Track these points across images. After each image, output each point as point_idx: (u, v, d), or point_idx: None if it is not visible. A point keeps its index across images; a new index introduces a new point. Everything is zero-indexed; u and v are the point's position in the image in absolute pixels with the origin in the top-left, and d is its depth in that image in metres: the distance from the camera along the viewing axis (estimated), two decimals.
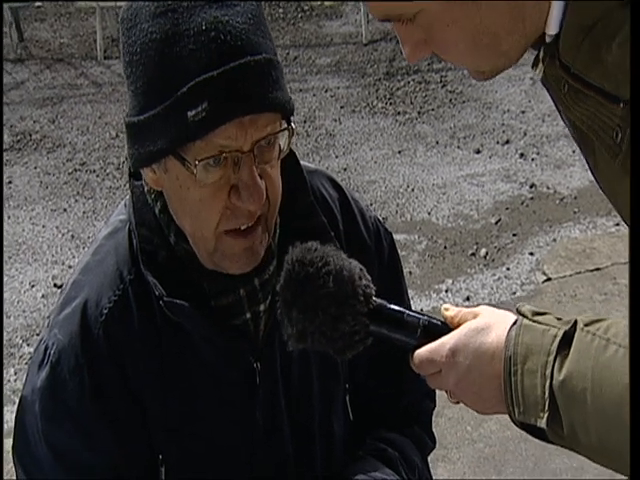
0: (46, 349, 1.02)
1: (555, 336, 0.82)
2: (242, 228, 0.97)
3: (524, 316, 0.86)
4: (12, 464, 1.09)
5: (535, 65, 0.88)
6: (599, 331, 0.81)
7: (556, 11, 0.81)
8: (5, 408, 2.83)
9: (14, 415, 1.08)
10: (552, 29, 0.82)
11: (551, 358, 0.82)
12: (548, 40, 0.84)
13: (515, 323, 0.86)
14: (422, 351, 0.91)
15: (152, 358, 1.02)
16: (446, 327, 0.91)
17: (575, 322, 0.83)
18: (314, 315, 0.87)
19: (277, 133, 0.94)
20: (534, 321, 0.85)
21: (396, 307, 0.91)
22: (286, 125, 0.95)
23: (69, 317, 1.02)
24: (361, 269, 0.90)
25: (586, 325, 0.82)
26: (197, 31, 0.88)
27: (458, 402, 0.93)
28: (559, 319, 0.85)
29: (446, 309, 0.92)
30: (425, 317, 0.92)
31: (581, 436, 0.80)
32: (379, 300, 0.91)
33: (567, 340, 0.82)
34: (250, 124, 0.90)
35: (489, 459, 2.61)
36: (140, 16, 0.91)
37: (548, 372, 0.82)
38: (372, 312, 0.89)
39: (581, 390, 0.79)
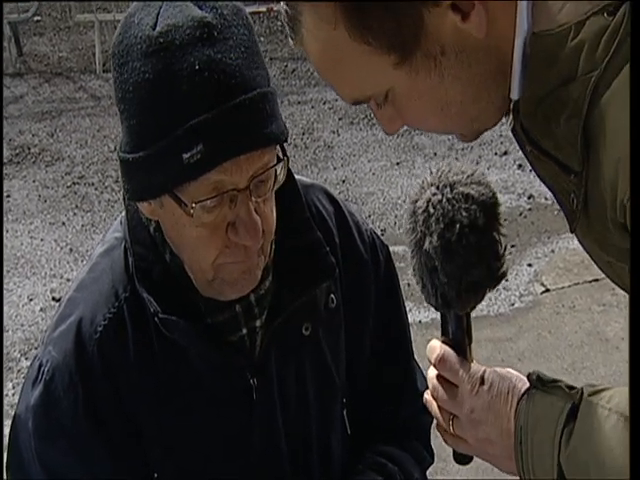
0: (40, 366, 1.03)
1: (563, 408, 0.83)
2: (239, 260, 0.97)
3: (535, 385, 0.87)
4: None
5: (507, 114, 0.89)
6: (602, 401, 0.81)
7: (516, 77, 0.82)
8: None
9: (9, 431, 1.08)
10: (514, 95, 0.84)
11: (559, 430, 0.83)
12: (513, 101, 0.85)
13: (527, 391, 0.87)
14: (452, 353, 0.91)
15: (147, 375, 1.02)
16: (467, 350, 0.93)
17: (582, 393, 0.84)
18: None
19: (272, 167, 0.94)
20: (543, 391, 0.86)
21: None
22: (281, 155, 0.95)
23: (64, 334, 1.03)
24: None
25: (590, 395, 0.83)
26: (190, 71, 0.87)
27: (452, 438, 0.93)
28: (570, 387, 0.85)
29: None
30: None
31: None
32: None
33: (573, 411, 0.83)
34: (245, 160, 0.91)
35: (487, 472, 2.60)
36: (132, 54, 0.90)
37: (556, 443, 0.83)
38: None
39: (585, 462, 0.81)
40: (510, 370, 0.92)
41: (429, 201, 0.86)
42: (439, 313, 0.94)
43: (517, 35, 0.81)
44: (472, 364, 0.92)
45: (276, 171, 0.96)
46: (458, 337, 0.92)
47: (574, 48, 0.78)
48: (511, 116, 0.88)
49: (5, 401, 2.96)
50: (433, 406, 0.95)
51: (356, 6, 0.78)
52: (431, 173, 0.89)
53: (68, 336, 1.02)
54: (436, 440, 1.29)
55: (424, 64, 0.80)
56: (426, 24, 0.78)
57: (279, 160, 0.95)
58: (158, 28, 0.89)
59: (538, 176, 0.88)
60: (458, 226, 0.84)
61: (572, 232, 0.85)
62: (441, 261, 0.85)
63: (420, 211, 0.86)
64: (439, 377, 0.93)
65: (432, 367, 0.95)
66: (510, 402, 0.88)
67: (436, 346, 0.93)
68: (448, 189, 0.86)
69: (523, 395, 0.87)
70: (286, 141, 0.95)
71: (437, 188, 0.86)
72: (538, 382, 0.87)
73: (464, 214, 0.84)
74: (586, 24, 0.78)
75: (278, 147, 0.96)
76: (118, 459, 1.03)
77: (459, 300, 0.88)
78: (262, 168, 0.93)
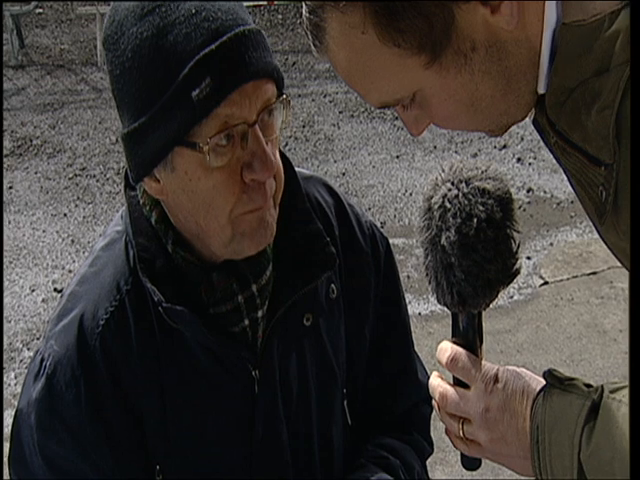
0: (42, 360, 1.02)
1: (582, 406, 0.81)
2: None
3: (551, 384, 0.85)
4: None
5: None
6: (625, 398, 0.79)
7: (544, 71, 0.81)
8: (5, 412, 2.85)
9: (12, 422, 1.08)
10: (541, 88, 0.83)
11: (579, 429, 0.81)
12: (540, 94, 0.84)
13: (543, 389, 0.86)
14: (464, 353, 0.90)
15: (150, 369, 1.02)
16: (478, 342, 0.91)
17: (602, 390, 0.82)
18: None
19: (277, 101, 0.95)
20: (561, 389, 0.84)
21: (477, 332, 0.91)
22: (283, 95, 0.96)
23: (66, 328, 1.02)
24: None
25: (612, 392, 0.81)
26: (188, 15, 0.90)
27: (463, 442, 0.90)
28: (587, 385, 0.84)
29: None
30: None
31: None
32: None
33: (594, 409, 0.81)
34: (253, 91, 0.91)
35: (487, 462, 2.63)
36: (126, 24, 0.92)
37: (576, 442, 0.81)
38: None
39: (608, 460, 0.79)
40: (523, 369, 0.89)
41: (445, 196, 0.84)
42: (444, 310, 0.92)
43: (545, 27, 0.79)
44: (484, 363, 0.89)
45: (282, 109, 0.96)
46: (470, 337, 0.90)
47: (608, 38, 0.76)
48: (533, 108, 0.86)
49: (8, 391, 2.99)
50: (440, 413, 0.92)
51: (386, 9, 0.76)
52: (443, 170, 0.87)
53: (70, 330, 1.01)
54: (435, 431, 1.30)
55: (454, 62, 0.79)
56: (457, 21, 0.77)
57: (280, 100, 0.96)
58: None
59: (562, 168, 0.87)
60: (476, 220, 0.83)
61: (601, 225, 0.83)
62: (458, 257, 0.84)
63: (436, 207, 0.85)
64: (447, 382, 0.92)
65: (435, 376, 0.94)
66: (526, 400, 0.86)
67: (447, 347, 0.91)
68: (464, 184, 0.84)
69: (539, 393, 0.85)
70: (283, 81, 0.96)
71: (452, 184, 0.85)
72: (555, 380, 0.85)
73: (481, 208, 0.83)
74: (621, 14, 0.76)
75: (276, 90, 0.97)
76: (120, 452, 1.03)
77: (475, 297, 0.86)
78: (268, 102, 0.94)
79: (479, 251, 0.84)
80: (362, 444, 1.20)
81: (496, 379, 0.87)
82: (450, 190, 0.84)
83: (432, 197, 0.86)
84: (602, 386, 0.82)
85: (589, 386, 0.84)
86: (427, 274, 0.89)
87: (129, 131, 0.94)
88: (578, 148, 0.81)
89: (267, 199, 0.96)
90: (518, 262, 0.86)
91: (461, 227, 0.83)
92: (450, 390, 0.91)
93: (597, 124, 0.78)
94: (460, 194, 0.84)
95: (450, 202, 0.84)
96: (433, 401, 0.93)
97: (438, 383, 0.92)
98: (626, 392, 0.80)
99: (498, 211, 0.84)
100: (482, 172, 0.86)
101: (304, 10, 0.81)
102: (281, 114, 0.96)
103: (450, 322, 0.94)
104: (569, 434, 0.81)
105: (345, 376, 1.16)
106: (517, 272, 0.87)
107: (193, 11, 0.90)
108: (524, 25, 0.79)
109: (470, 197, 0.84)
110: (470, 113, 0.84)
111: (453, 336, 0.92)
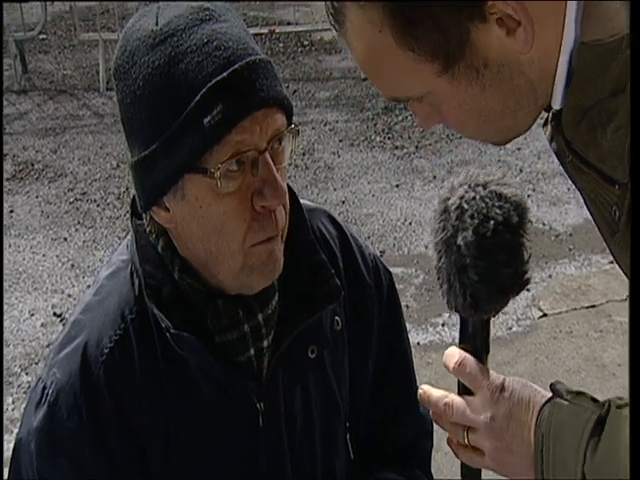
0: (44, 388, 1.01)
1: (589, 419, 0.82)
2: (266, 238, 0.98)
3: (558, 395, 0.86)
4: None
5: (545, 125, 0.90)
6: None
7: (560, 88, 0.83)
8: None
9: (11, 446, 1.07)
10: (557, 104, 0.84)
11: (584, 441, 0.81)
12: (555, 111, 0.86)
13: (549, 401, 0.86)
14: (472, 359, 0.90)
15: (154, 398, 1.02)
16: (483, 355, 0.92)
17: (609, 405, 0.82)
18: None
19: (287, 130, 0.96)
20: (568, 401, 0.85)
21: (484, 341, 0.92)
22: (292, 125, 0.98)
23: (69, 356, 1.02)
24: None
25: (619, 408, 0.81)
26: (199, 45, 0.91)
27: (466, 451, 0.90)
28: (594, 400, 0.84)
29: None
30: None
31: None
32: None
33: (600, 423, 0.81)
34: (263, 118, 0.92)
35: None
36: (138, 54, 0.93)
37: (581, 454, 0.81)
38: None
39: (613, 474, 0.79)
40: (528, 381, 0.90)
41: (462, 198, 0.86)
42: (443, 339, 0.93)
43: (564, 47, 0.81)
44: (491, 372, 0.90)
45: (291, 138, 0.97)
46: (477, 344, 0.91)
47: (625, 59, 0.77)
48: (549, 126, 0.88)
49: (5, 416, 2.95)
50: (443, 422, 0.93)
51: (403, 16, 0.78)
52: (459, 176, 0.89)
53: (73, 358, 1.01)
54: (435, 462, 1.30)
55: (466, 74, 0.81)
56: (472, 38, 0.79)
57: (290, 129, 0.97)
58: (160, 24, 0.93)
59: (576, 187, 0.88)
60: (493, 222, 0.84)
61: (613, 243, 0.84)
62: (474, 258, 0.84)
63: (453, 208, 0.86)
64: (451, 392, 0.92)
65: (435, 389, 0.94)
66: (532, 410, 0.86)
67: (455, 352, 0.91)
68: (481, 188, 0.86)
69: (545, 404, 0.86)
70: (292, 111, 0.97)
71: (469, 187, 0.86)
72: (562, 392, 0.86)
73: (498, 211, 0.84)
74: None
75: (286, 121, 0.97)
76: None
77: (487, 300, 0.86)
78: (277, 130, 0.95)
79: (494, 253, 0.85)
80: (365, 478, 1.19)
81: (502, 388, 0.88)
82: (467, 192, 0.86)
83: (449, 199, 0.87)
84: (609, 401, 0.83)
85: (596, 401, 0.84)
86: (439, 277, 0.89)
87: (139, 159, 0.95)
88: (593, 167, 0.82)
89: (278, 228, 0.97)
90: (529, 271, 0.88)
91: (478, 228, 0.84)
92: (457, 399, 0.91)
93: (612, 143, 0.79)
94: (477, 196, 0.85)
95: (467, 203, 0.85)
96: (431, 412, 0.93)
97: (443, 394, 0.92)
98: None
99: (515, 215, 0.85)
100: (499, 178, 0.87)
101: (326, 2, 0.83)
102: (290, 144, 0.98)
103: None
104: (574, 446, 0.82)
105: (348, 409, 1.16)
106: (527, 281, 0.88)
107: (205, 40, 0.91)
108: (539, 46, 0.81)
109: (487, 200, 0.85)
110: (478, 124, 0.86)
111: (460, 343, 0.93)
